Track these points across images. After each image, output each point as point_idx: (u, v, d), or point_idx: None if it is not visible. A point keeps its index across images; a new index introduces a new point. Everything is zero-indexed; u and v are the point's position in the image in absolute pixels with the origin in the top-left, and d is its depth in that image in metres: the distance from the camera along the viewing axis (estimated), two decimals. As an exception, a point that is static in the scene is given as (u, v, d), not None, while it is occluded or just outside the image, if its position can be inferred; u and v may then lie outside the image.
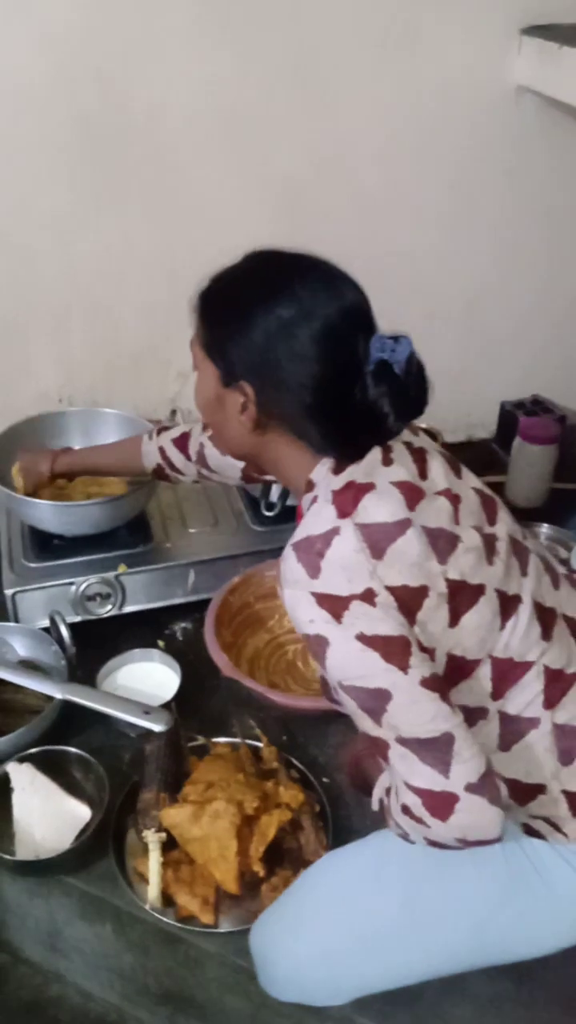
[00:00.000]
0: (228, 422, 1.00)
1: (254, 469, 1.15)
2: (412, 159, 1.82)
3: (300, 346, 0.90)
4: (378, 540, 0.88)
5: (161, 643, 1.61)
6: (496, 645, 0.94)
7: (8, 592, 1.54)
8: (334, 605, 0.87)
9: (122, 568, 1.58)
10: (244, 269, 0.97)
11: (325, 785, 1.37)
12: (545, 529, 1.84)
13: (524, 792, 0.97)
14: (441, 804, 0.88)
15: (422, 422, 1.91)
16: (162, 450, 1.43)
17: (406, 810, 0.91)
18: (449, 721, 0.88)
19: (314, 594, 0.88)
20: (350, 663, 0.88)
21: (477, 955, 1.03)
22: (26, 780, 1.31)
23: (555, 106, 1.78)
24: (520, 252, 1.98)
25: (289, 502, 1.63)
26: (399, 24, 1.67)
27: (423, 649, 0.89)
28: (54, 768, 1.34)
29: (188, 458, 1.40)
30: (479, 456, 2.07)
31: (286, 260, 0.95)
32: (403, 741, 0.88)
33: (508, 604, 0.95)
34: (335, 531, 0.89)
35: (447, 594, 0.90)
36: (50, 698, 1.39)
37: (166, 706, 1.41)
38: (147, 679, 1.52)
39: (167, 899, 1.21)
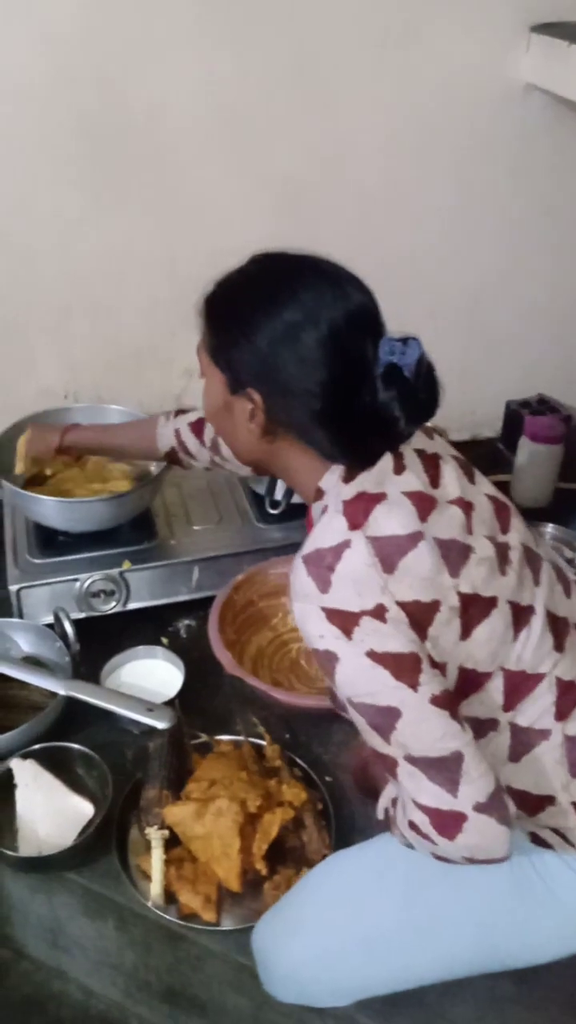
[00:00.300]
0: (237, 429, 0.98)
1: (264, 474, 1.13)
2: (415, 158, 1.82)
3: (307, 351, 0.88)
4: (389, 554, 0.86)
5: (165, 640, 1.61)
6: (508, 657, 0.93)
7: (13, 588, 1.54)
8: (344, 621, 0.86)
9: (126, 565, 1.58)
10: (248, 273, 0.95)
11: (328, 784, 1.37)
12: (550, 529, 1.84)
13: (533, 803, 0.96)
14: (449, 823, 0.87)
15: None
16: (177, 432, 1.40)
17: (413, 827, 0.90)
18: (459, 739, 0.86)
19: (324, 609, 0.86)
20: (360, 680, 0.87)
21: (479, 961, 1.03)
22: (29, 776, 1.31)
23: (562, 104, 1.77)
24: (525, 250, 1.98)
25: (294, 500, 1.63)
26: (402, 22, 1.66)
27: (434, 664, 0.87)
28: (57, 764, 1.34)
29: (202, 444, 1.38)
30: (484, 455, 2.07)
31: (291, 263, 0.93)
32: (412, 759, 0.87)
33: (521, 615, 0.94)
34: (346, 544, 0.87)
35: (459, 607, 0.89)
36: (54, 694, 1.39)
37: (169, 703, 1.41)
38: (151, 676, 1.52)
39: (169, 896, 1.22)
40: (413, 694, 0.85)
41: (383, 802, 1.03)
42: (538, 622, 0.94)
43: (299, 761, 1.38)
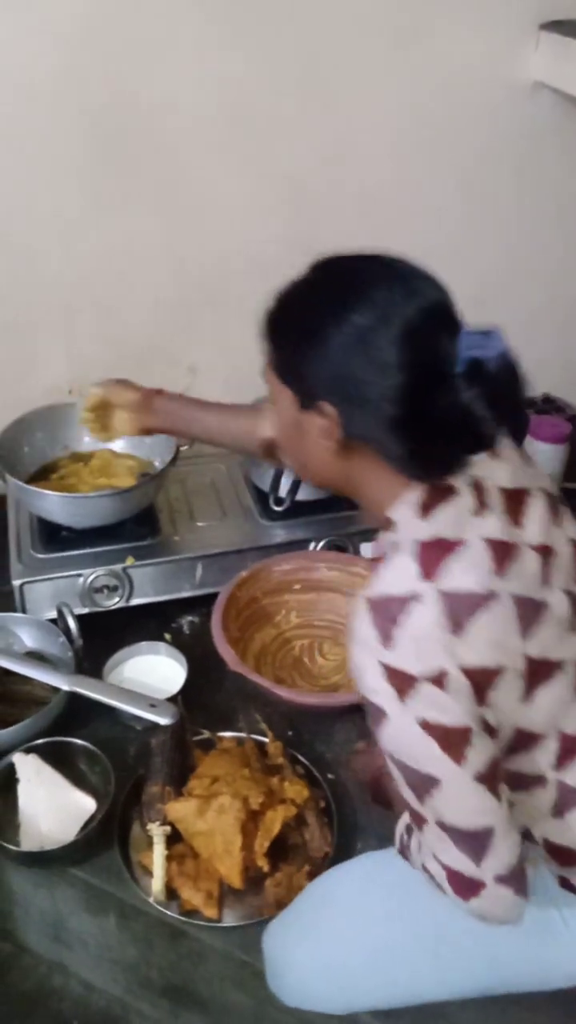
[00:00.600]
0: (310, 448, 0.91)
1: (340, 494, 1.01)
2: (422, 156, 1.81)
3: (380, 353, 0.82)
4: (461, 612, 0.80)
5: (168, 636, 1.61)
6: (568, 721, 0.89)
7: (16, 583, 1.54)
8: (402, 682, 0.80)
9: (130, 560, 1.57)
10: (309, 280, 0.90)
11: (330, 781, 1.37)
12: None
13: (570, 858, 0.95)
14: (466, 887, 0.86)
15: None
16: None
17: (427, 871, 0.89)
18: (494, 816, 0.84)
19: (383, 665, 0.81)
20: (405, 744, 0.83)
21: (487, 986, 1.02)
22: (32, 771, 1.31)
23: (571, 102, 1.77)
24: (531, 250, 1.97)
25: (298, 497, 1.63)
26: (409, 21, 1.66)
27: (487, 727, 0.83)
28: (60, 759, 1.34)
29: None
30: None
31: (355, 263, 0.88)
32: (443, 826, 0.85)
33: None
34: (416, 597, 0.81)
35: (525, 672, 0.84)
36: (56, 689, 1.39)
37: (172, 700, 1.41)
38: (153, 672, 1.52)
39: (171, 892, 1.22)
40: (457, 768, 0.81)
41: (400, 828, 1.01)
42: None
43: (302, 758, 1.38)
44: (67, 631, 1.48)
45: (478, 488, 0.87)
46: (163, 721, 1.31)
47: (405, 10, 1.65)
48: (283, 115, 1.69)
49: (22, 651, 1.52)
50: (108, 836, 1.27)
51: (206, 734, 1.41)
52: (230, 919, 1.21)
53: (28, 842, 1.27)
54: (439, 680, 0.79)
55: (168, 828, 1.24)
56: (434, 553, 0.83)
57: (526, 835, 0.93)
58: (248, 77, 1.64)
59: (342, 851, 1.27)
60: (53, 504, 1.56)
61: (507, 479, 0.90)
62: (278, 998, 1.08)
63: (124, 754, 1.40)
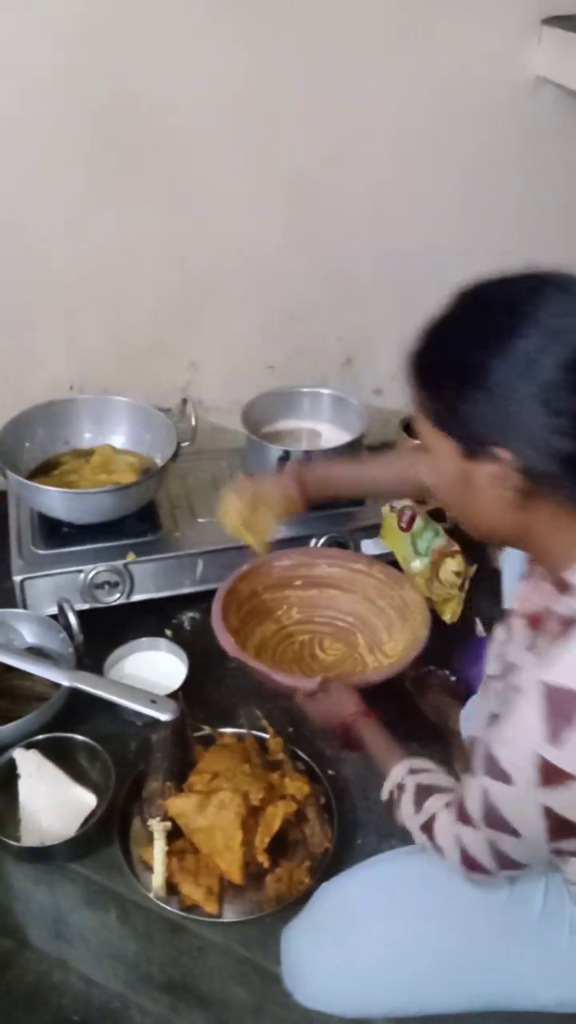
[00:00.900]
0: (481, 501, 0.82)
1: (515, 547, 0.92)
2: (426, 152, 1.80)
3: (552, 377, 0.73)
4: None
5: (168, 632, 1.61)
6: None
7: (17, 579, 1.54)
8: (553, 776, 0.75)
9: (130, 556, 1.57)
10: (458, 311, 0.81)
11: (331, 777, 1.37)
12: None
13: None
14: (476, 869, 0.89)
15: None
16: None
17: (428, 830, 0.91)
18: (542, 863, 0.87)
19: (540, 756, 0.75)
20: (513, 808, 0.80)
21: (503, 1002, 1.03)
22: (33, 767, 1.31)
23: (574, 98, 1.76)
24: (535, 244, 1.95)
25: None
26: (413, 17, 1.65)
27: None
28: (60, 755, 1.34)
29: None
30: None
31: (509, 284, 0.80)
32: (494, 847, 0.85)
33: None
34: None
35: None
36: (57, 685, 1.39)
37: (173, 695, 1.41)
38: (154, 668, 1.52)
39: (171, 888, 1.22)
40: (547, 843, 0.81)
41: (389, 784, 1.02)
42: None
43: (302, 754, 1.38)
44: (68, 627, 1.48)
45: None
46: (164, 717, 1.31)
47: (406, 8, 1.64)
48: (284, 114, 1.69)
49: (23, 647, 1.52)
50: (108, 832, 1.27)
51: (206, 730, 1.41)
52: (230, 915, 1.21)
53: (29, 838, 1.27)
54: None
55: (168, 824, 1.24)
56: None
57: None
58: (249, 76, 1.64)
59: (342, 847, 1.27)
60: (54, 500, 1.56)
61: None
62: (295, 999, 1.08)
63: (125, 750, 1.40)
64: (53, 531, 1.61)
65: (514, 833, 0.82)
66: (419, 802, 0.98)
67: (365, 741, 1.15)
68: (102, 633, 1.53)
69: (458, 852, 0.90)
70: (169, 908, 1.20)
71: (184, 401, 1.80)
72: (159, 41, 1.57)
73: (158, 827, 1.23)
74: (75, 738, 1.37)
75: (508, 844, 0.84)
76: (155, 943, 1.20)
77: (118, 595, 1.59)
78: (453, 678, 1.52)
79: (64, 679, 1.37)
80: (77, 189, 1.67)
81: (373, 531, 1.69)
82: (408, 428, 1.90)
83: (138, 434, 1.74)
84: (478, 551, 1.62)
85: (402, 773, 1.04)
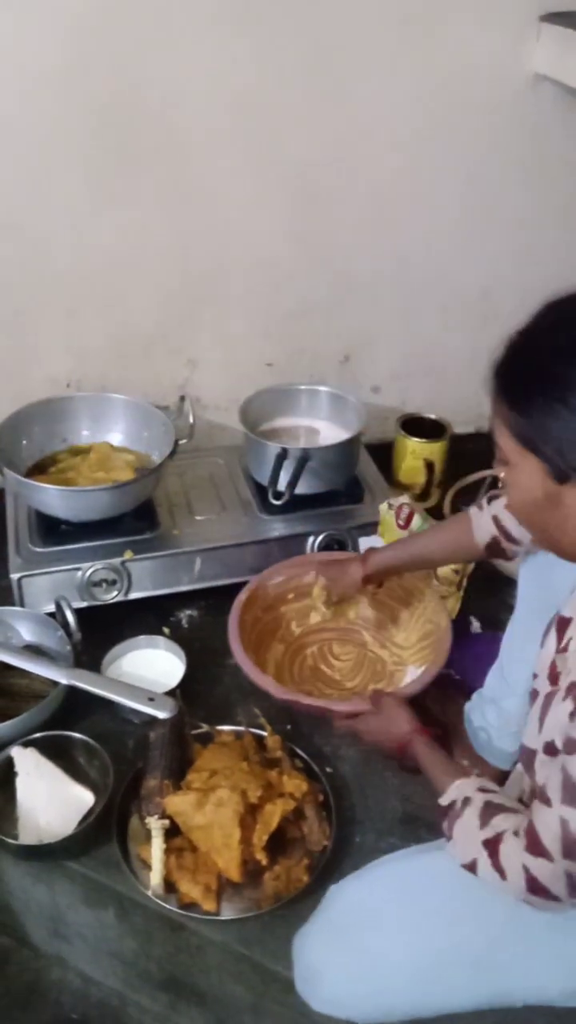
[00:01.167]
0: (570, 525, 0.79)
1: None
2: (427, 149, 1.80)
3: None
4: None
5: (166, 630, 1.61)
6: None
7: (14, 577, 1.54)
8: None
9: (128, 554, 1.57)
10: (550, 322, 0.78)
11: (329, 775, 1.37)
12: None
13: None
14: (538, 892, 0.86)
15: (432, 412, 1.92)
16: (496, 519, 1.18)
17: (492, 849, 0.88)
18: None
19: None
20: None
21: (519, 997, 1.03)
22: (30, 764, 1.31)
23: (573, 95, 1.76)
24: (535, 242, 1.97)
25: (297, 491, 1.62)
26: (415, 14, 1.65)
27: None
28: (58, 753, 1.34)
29: None
30: (488, 447, 2.05)
31: None
32: (571, 879, 0.84)
33: None
34: None
35: None
36: (55, 683, 1.39)
37: (171, 693, 1.41)
38: (152, 666, 1.52)
39: (169, 886, 1.22)
40: None
41: (454, 793, 0.99)
42: None
43: (300, 752, 1.38)
44: (65, 625, 1.48)
45: None
46: (161, 715, 1.31)
47: (406, 8, 1.64)
48: (288, 110, 1.69)
49: (20, 645, 1.52)
50: (107, 829, 1.27)
51: (205, 728, 1.41)
52: (228, 912, 1.21)
53: (27, 835, 1.27)
54: None
55: (167, 821, 1.24)
56: None
57: None
58: (249, 76, 1.63)
59: (341, 845, 1.28)
60: (52, 498, 1.56)
61: None
62: (307, 1004, 1.08)
63: (123, 748, 1.40)
64: (51, 529, 1.61)
65: None
66: (486, 818, 0.95)
67: (420, 759, 1.11)
68: (100, 631, 1.53)
69: (523, 879, 0.88)
70: (167, 906, 1.20)
71: (182, 399, 1.80)
72: (160, 40, 1.57)
73: (156, 825, 1.23)
74: (73, 736, 1.37)
75: None
76: (153, 941, 1.20)
77: (116, 593, 1.59)
78: (457, 677, 1.51)
79: (62, 677, 1.37)
80: (77, 188, 1.67)
81: (371, 529, 1.69)
82: (405, 426, 1.90)
83: (136, 432, 1.74)
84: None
85: (472, 787, 1.00)
